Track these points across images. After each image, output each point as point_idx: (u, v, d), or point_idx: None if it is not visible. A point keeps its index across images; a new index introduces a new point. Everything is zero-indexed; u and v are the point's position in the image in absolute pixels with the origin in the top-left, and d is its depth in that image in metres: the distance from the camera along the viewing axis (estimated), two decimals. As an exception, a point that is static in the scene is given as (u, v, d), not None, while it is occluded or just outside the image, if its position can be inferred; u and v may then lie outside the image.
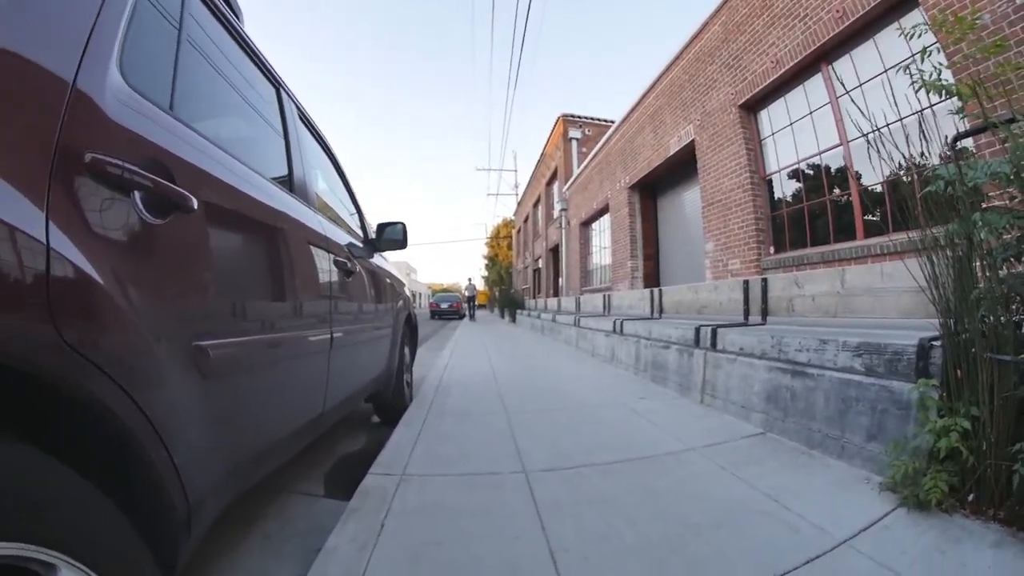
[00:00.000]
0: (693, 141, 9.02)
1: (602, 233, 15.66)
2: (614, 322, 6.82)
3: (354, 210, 3.60)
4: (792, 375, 3.10)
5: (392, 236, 3.62)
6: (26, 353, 0.78)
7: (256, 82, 2.23)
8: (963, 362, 2.08)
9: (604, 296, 10.56)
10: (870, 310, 4.06)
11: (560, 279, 20.97)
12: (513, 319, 22.87)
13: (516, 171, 36.14)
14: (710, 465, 2.68)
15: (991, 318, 2.00)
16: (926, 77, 2.35)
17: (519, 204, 35.74)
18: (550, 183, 24.92)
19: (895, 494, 2.12)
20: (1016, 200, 2.03)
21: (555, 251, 23.05)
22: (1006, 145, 1.99)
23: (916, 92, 2.37)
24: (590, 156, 16.32)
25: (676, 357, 4.65)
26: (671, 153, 9.88)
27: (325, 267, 2.31)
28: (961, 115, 2.40)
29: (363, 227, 3.62)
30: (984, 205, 2.10)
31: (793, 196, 7.01)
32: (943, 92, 2.32)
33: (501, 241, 48.19)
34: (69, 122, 0.93)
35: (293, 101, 2.66)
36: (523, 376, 5.98)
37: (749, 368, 3.53)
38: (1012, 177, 1.95)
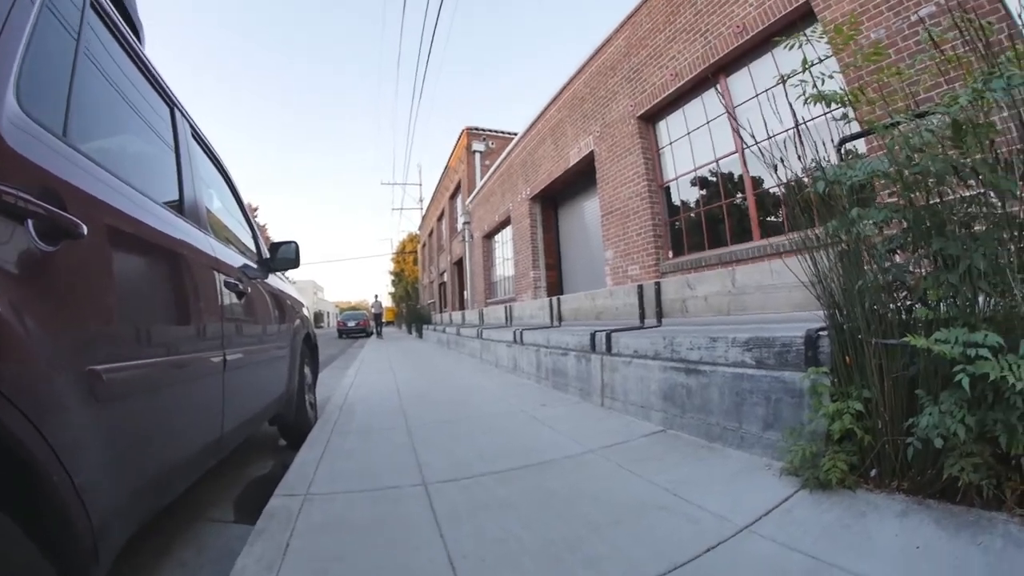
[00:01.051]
0: (592, 152, 9.43)
1: (505, 245, 15.93)
2: (514, 332, 7.00)
3: (248, 229, 3.54)
4: (686, 373, 3.33)
5: (285, 255, 3.58)
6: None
7: (151, 101, 2.20)
8: (851, 348, 2.24)
9: (506, 307, 10.76)
10: (761, 307, 4.35)
11: (465, 292, 21.06)
12: (420, 334, 22.74)
13: (421, 185, 35.93)
14: (609, 465, 2.83)
15: (876, 306, 2.18)
16: (809, 89, 2.52)
17: (424, 218, 35.57)
18: (454, 196, 24.99)
19: (796, 477, 2.26)
20: (893, 195, 2.26)
21: (460, 264, 23.10)
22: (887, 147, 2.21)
23: (804, 104, 2.52)
24: (493, 168, 16.58)
25: (575, 363, 4.86)
26: (571, 164, 10.26)
27: (216, 289, 2.28)
28: (847, 120, 2.58)
29: (258, 247, 3.56)
30: (877, 202, 2.33)
31: (691, 202, 7.49)
32: (828, 102, 2.48)
33: (407, 256, 47.64)
34: None
35: (187, 120, 2.61)
36: (426, 390, 6.01)
37: (644, 369, 3.76)
38: (892, 173, 2.16)
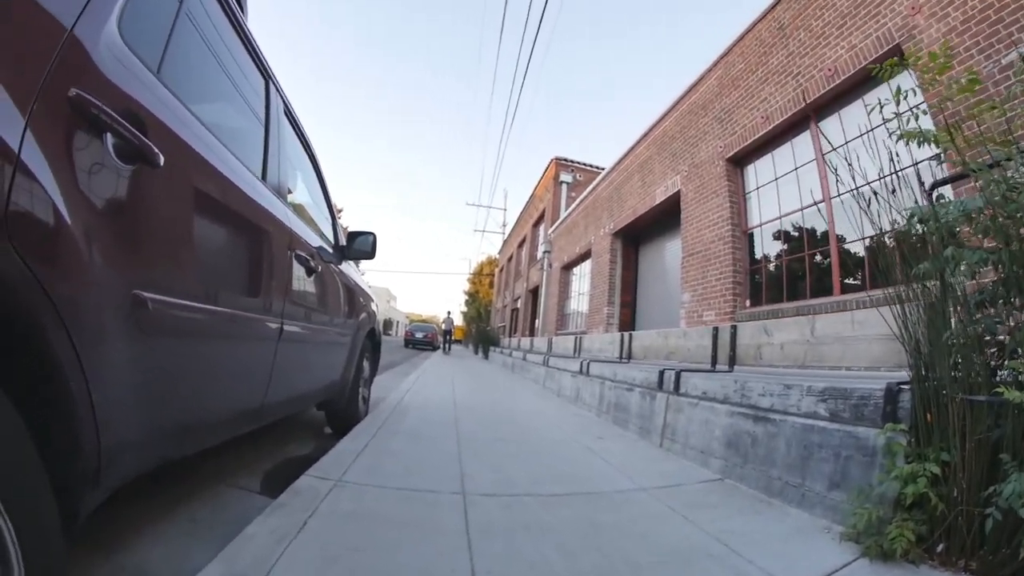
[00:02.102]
0: (679, 192, 9.17)
1: (582, 278, 15.74)
2: (581, 363, 6.80)
3: (329, 216, 3.57)
4: (754, 420, 3.06)
5: (362, 246, 3.59)
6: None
7: (246, 69, 2.28)
8: (933, 405, 2.03)
9: (576, 338, 10.57)
10: (839, 358, 4.04)
11: (537, 321, 20.96)
12: (486, 355, 22.77)
13: (505, 210, 36.33)
14: (660, 506, 2.60)
15: (963, 360, 1.98)
16: (904, 125, 2.38)
17: (504, 243, 35.92)
18: (536, 225, 25.13)
19: (857, 544, 2.03)
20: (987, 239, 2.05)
21: (535, 292, 23.08)
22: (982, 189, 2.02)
23: (895, 142, 2.40)
24: (578, 200, 16.56)
25: (639, 399, 4.62)
26: (657, 202, 10.02)
27: (285, 258, 2.28)
28: (940, 162, 2.43)
29: (335, 234, 3.59)
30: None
31: (773, 251, 7.12)
32: (920, 140, 2.34)
33: (484, 278, 48.18)
34: (62, 58, 1.01)
35: (281, 96, 2.68)
36: (483, 407, 5.89)
37: (711, 413, 3.50)
38: (984, 213, 1.97)
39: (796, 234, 6.64)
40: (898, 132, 2.39)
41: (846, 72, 5.65)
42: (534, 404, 6.60)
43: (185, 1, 1.61)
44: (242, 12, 2.26)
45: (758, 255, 7.41)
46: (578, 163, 22.59)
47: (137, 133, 1.19)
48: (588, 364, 6.50)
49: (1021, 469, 1.62)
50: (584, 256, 15.16)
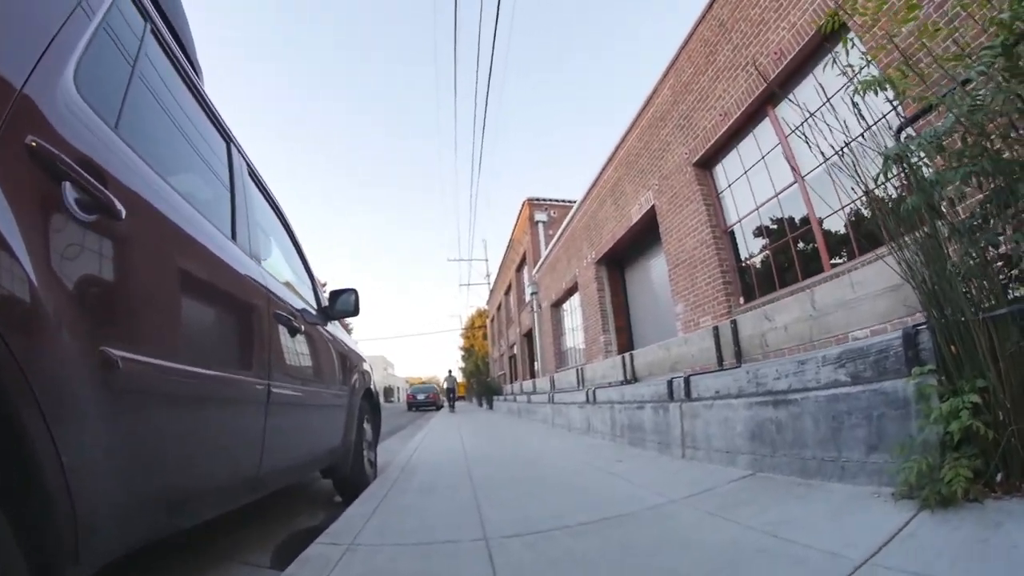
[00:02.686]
0: (653, 206, 9.20)
1: (573, 312, 15.68)
2: (587, 392, 6.66)
3: (308, 278, 3.49)
4: (774, 406, 2.95)
5: (344, 304, 3.51)
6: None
7: (205, 131, 2.25)
8: (956, 336, 1.97)
9: (577, 370, 10.41)
10: (846, 325, 3.91)
11: (536, 363, 20.77)
12: (490, 406, 22.51)
13: (487, 260, 36.69)
14: (696, 513, 2.47)
15: (974, 281, 1.96)
16: (858, 78, 2.40)
17: (491, 292, 35.99)
18: (520, 269, 25.23)
19: (913, 499, 1.94)
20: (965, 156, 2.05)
21: (529, 336, 22.99)
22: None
23: (852, 97, 2.40)
24: (556, 236, 16.64)
25: (651, 415, 4.48)
26: (634, 221, 10.04)
27: (264, 317, 2.18)
28: (900, 102, 2.44)
29: (316, 295, 3.50)
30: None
31: (757, 243, 7.11)
32: (877, 86, 2.35)
33: (476, 331, 48.04)
34: (16, 107, 1.01)
35: (244, 158, 2.65)
36: (494, 453, 5.70)
37: (728, 410, 3.39)
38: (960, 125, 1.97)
39: (776, 222, 6.63)
40: (854, 86, 2.40)
41: (792, 51, 5.71)
42: (545, 442, 6.41)
43: (138, 62, 1.61)
44: (198, 76, 2.24)
45: (743, 251, 7.40)
46: (550, 200, 22.91)
47: (94, 182, 1.16)
48: (594, 392, 6.36)
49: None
50: (571, 290, 15.14)
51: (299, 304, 2.84)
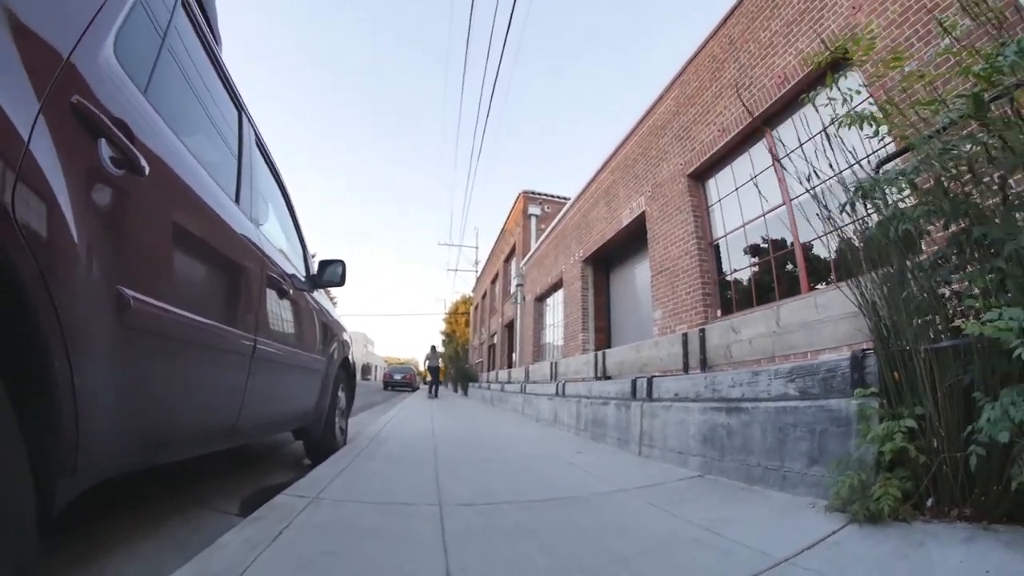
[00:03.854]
0: (644, 212, 9.33)
1: (556, 308, 15.81)
2: (557, 385, 6.86)
3: (300, 246, 3.62)
4: (727, 412, 3.15)
5: (332, 275, 3.62)
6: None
7: (220, 98, 2.40)
8: (900, 364, 2.11)
9: (551, 364, 10.58)
10: (807, 344, 4.08)
11: (514, 355, 20.91)
12: (465, 392, 22.72)
13: (477, 248, 36.40)
14: (641, 504, 2.65)
15: (922, 314, 2.11)
16: (838, 109, 2.57)
17: (478, 280, 36.00)
18: (508, 260, 25.28)
19: (844, 513, 2.07)
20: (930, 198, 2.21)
21: (510, 327, 23.05)
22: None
23: (837, 129, 2.58)
24: (547, 231, 16.74)
25: (614, 412, 4.67)
26: (623, 225, 10.17)
27: (257, 277, 2.33)
28: (877, 138, 2.58)
29: (306, 262, 3.64)
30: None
31: (740, 258, 7.27)
32: (860, 122, 2.49)
33: (459, 317, 47.75)
34: (67, 71, 1.16)
35: (253, 128, 2.79)
36: (461, 435, 5.87)
37: (684, 413, 3.58)
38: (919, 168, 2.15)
39: (761, 240, 6.78)
40: (839, 121, 2.57)
41: (795, 77, 5.87)
42: (513, 430, 6.61)
43: (169, 31, 1.76)
44: (217, 44, 2.37)
45: (726, 265, 7.55)
46: (546, 195, 22.81)
47: (126, 140, 1.30)
48: (563, 385, 6.56)
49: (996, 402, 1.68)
50: (556, 286, 15.26)
51: (290, 269, 2.98)
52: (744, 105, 6.21)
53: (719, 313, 7.31)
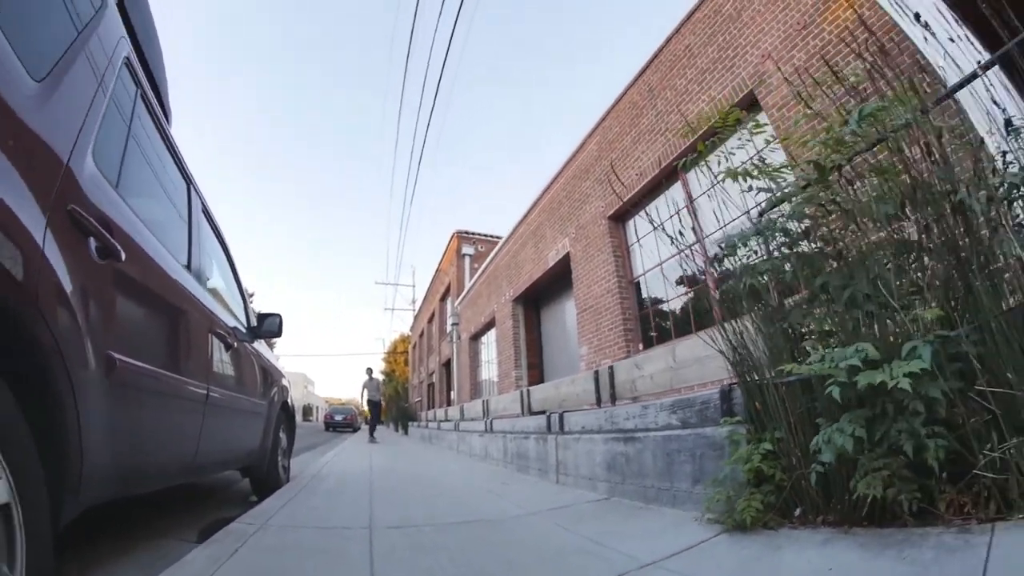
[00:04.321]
0: (568, 253, 9.93)
1: (490, 346, 16.23)
2: (486, 422, 7.28)
3: (241, 300, 3.97)
4: (624, 442, 3.62)
5: (270, 326, 4.01)
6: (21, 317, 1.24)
7: (172, 174, 2.76)
8: (759, 395, 2.50)
9: (483, 402, 10.98)
10: (700, 377, 4.57)
11: (452, 393, 21.09)
12: (406, 431, 22.60)
13: (414, 286, 36.75)
14: (547, 524, 3.06)
15: (775, 354, 2.50)
16: (719, 167, 3.09)
17: (415, 319, 36.02)
18: (444, 299, 25.64)
19: (720, 524, 2.36)
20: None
21: (448, 365, 23.19)
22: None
23: (722, 182, 3.08)
24: (479, 271, 17.27)
25: (535, 444, 5.14)
26: (550, 265, 10.78)
27: (207, 334, 2.70)
28: (767, 192, 2.95)
29: (247, 316, 3.98)
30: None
31: (659, 294, 7.85)
32: (744, 176, 2.97)
33: (398, 356, 47.03)
34: (63, 184, 1.46)
35: (199, 196, 3.16)
36: (397, 471, 6.20)
37: (591, 444, 4.07)
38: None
39: (677, 277, 7.26)
40: (722, 174, 3.07)
41: (707, 123, 6.19)
42: (445, 465, 6.99)
43: (132, 124, 2.13)
44: (167, 122, 2.75)
45: (647, 300, 8.12)
46: (479, 235, 23.40)
47: (109, 237, 1.64)
48: (491, 422, 6.99)
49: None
50: (490, 324, 15.68)
51: (232, 323, 3.34)
52: (617, 178, 6.85)
53: (641, 347, 7.85)
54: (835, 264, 2.47)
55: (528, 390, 8.12)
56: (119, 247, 1.70)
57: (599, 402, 5.63)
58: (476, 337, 17.90)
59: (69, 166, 1.51)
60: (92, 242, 1.58)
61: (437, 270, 27.57)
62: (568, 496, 3.96)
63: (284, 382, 4.78)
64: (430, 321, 29.49)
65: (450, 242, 24.32)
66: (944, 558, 1.53)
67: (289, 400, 4.91)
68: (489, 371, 16.43)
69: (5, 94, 1.26)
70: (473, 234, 23.47)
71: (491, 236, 22.88)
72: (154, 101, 2.46)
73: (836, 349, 2.01)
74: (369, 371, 15.41)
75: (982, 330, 1.83)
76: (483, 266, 16.83)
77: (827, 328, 2.41)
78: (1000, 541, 1.51)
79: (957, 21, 3.83)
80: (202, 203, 3.22)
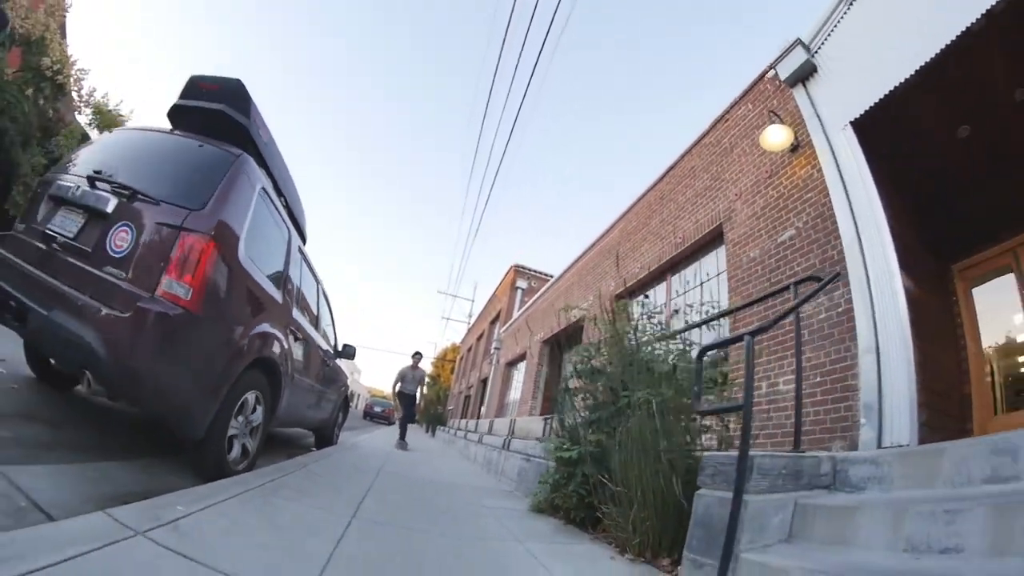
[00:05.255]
0: (583, 318, 12.02)
1: (520, 374, 18.49)
2: (479, 437, 9.95)
3: (334, 335, 6.77)
4: (526, 460, 6.22)
5: (348, 352, 6.82)
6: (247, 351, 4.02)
7: (304, 271, 5.49)
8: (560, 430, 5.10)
9: (490, 421, 13.49)
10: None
11: (483, 408, 23.25)
12: (433, 433, 25.07)
13: (473, 301, 38.70)
14: (472, 492, 5.69)
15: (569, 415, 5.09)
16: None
17: (468, 331, 38.30)
18: (494, 322, 27.73)
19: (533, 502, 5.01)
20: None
21: (484, 383, 25.11)
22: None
23: (613, 321, 5.68)
24: (526, 307, 19.75)
25: (496, 456, 7.79)
26: (572, 322, 12.82)
27: (319, 359, 5.52)
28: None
29: (335, 341, 6.79)
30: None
31: None
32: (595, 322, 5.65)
33: (446, 364, 48.96)
34: (287, 317, 4.23)
35: (322, 288, 5.95)
36: (408, 455, 8.95)
37: (515, 459, 6.67)
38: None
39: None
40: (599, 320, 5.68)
41: (690, 240, 7.56)
42: (444, 459, 9.73)
43: (290, 251, 4.93)
44: (304, 242, 5.50)
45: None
46: (533, 271, 25.44)
47: (295, 331, 4.43)
48: (482, 437, 9.66)
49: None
50: (522, 356, 17.80)
51: (327, 348, 6.12)
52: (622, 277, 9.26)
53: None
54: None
55: (514, 420, 10.65)
56: (297, 332, 4.46)
57: (543, 434, 8.22)
58: (511, 364, 20.01)
59: (240, 253, 4.25)
60: (292, 334, 4.32)
61: (493, 295, 29.91)
62: (495, 483, 6.60)
63: (348, 382, 7.59)
64: (479, 339, 31.44)
65: (508, 273, 26.47)
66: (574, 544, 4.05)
67: (349, 394, 7.73)
68: (514, 395, 18.74)
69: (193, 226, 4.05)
70: (528, 269, 25.45)
71: (544, 274, 24.68)
72: (288, 218, 5.21)
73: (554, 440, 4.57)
74: (418, 356, 12.35)
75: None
76: (527, 305, 19.19)
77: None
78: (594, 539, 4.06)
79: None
80: (322, 289, 6.00)
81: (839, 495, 2.98)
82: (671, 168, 8.86)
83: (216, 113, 3.76)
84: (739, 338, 2.69)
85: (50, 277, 2.86)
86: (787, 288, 4.12)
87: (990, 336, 5.82)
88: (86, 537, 1.58)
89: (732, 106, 7.35)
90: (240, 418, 3.55)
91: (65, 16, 14.29)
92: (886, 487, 2.87)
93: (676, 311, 6.91)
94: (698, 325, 5.00)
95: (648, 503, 3.10)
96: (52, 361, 3.81)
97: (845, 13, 5.42)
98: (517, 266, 25.68)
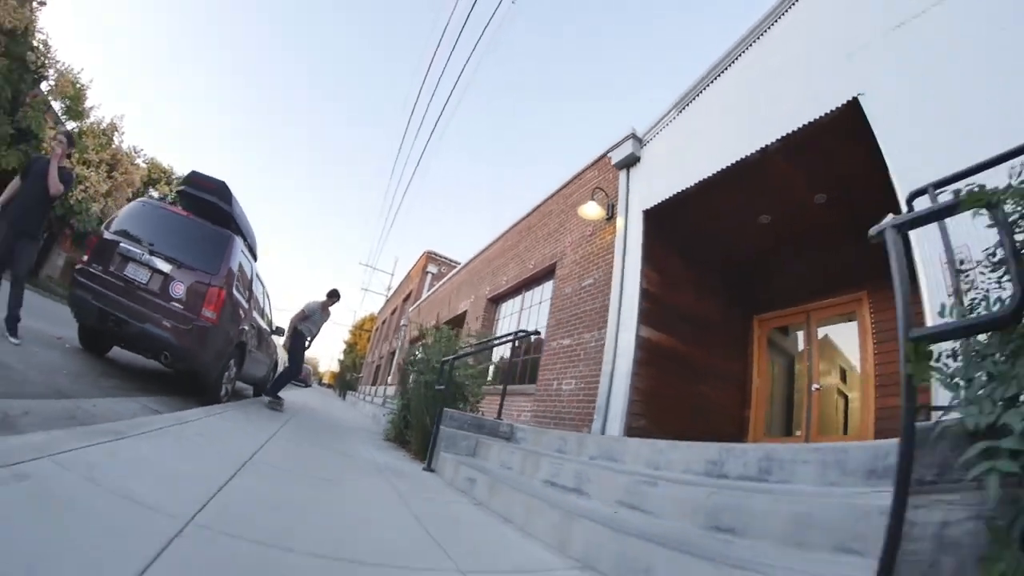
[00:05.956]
0: (466, 311, 15.22)
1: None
2: (372, 399, 13.24)
3: (271, 318, 9.86)
4: (388, 412, 9.55)
5: (279, 331, 9.90)
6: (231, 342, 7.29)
7: (257, 282, 8.55)
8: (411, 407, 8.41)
9: (385, 388, 16.63)
10: None
11: (389, 378, 24.26)
12: (344, 397, 27.68)
13: (392, 275, 39.62)
14: (357, 425, 9.02)
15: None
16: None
17: (385, 303, 39.09)
18: (406, 300, 29.33)
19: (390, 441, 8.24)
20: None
21: (392, 355, 26.20)
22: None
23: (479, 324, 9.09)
24: (426, 296, 22.46)
25: (377, 411, 11.11)
26: (458, 313, 16.04)
27: (265, 335, 8.74)
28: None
29: (270, 322, 9.85)
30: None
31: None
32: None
33: (363, 333, 49.00)
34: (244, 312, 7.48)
35: (264, 288, 9.09)
36: (320, 407, 12.13)
37: (383, 411, 10.01)
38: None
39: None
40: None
41: (536, 269, 10.26)
42: (344, 415, 12.85)
43: (252, 267, 8.13)
44: (254, 260, 8.57)
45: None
46: (443, 257, 27.50)
47: (256, 329, 7.65)
48: (374, 399, 12.99)
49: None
50: (420, 337, 20.74)
51: (266, 327, 9.21)
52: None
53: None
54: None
55: (387, 386, 13.96)
56: (254, 324, 7.67)
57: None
58: (414, 341, 22.49)
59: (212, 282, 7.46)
60: (252, 327, 7.53)
61: (407, 275, 31.56)
62: (371, 427, 9.84)
63: (279, 349, 10.71)
64: (393, 313, 32.87)
65: (421, 257, 28.44)
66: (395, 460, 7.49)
67: (279, 360, 10.89)
68: (415, 368, 21.57)
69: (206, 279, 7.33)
70: (439, 256, 27.56)
71: (452, 261, 26.56)
72: (252, 257, 8.33)
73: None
74: (334, 297, 9.32)
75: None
76: (431, 291, 21.71)
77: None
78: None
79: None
80: (265, 290, 9.11)
81: (507, 443, 6.17)
82: (539, 206, 11.34)
83: (211, 201, 6.73)
84: (460, 356, 6.15)
85: (138, 305, 5.85)
86: (512, 335, 7.60)
87: (771, 376, 7.94)
88: (160, 422, 4.88)
89: (585, 169, 9.48)
90: (227, 374, 6.70)
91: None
92: (534, 445, 5.98)
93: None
94: (470, 353, 8.45)
95: (420, 432, 6.49)
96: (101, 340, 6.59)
97: (674, 119, 6.98)
98: (430, 252, 27.67)
